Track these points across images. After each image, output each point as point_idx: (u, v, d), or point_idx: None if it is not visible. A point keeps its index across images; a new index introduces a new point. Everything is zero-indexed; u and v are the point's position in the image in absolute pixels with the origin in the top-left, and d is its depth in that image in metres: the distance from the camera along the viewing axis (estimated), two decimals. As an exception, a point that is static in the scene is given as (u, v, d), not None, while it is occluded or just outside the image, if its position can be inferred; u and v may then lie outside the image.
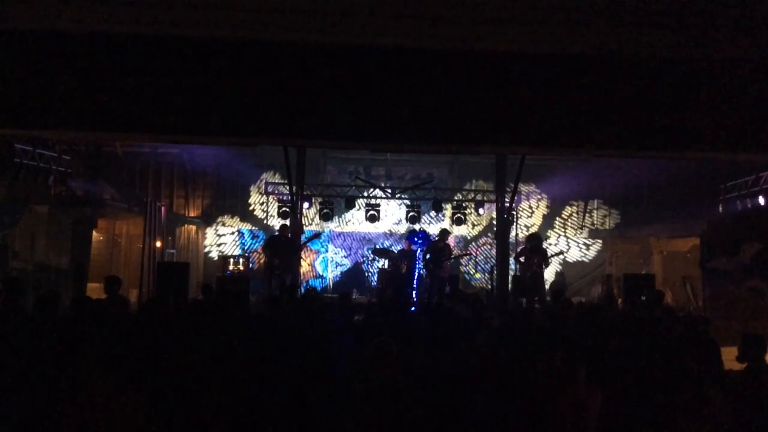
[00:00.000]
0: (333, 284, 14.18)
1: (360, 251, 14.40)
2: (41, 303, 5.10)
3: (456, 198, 13.84)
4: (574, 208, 14.81)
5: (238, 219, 14.40)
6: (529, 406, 3.87)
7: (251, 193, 14.45)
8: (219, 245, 14.24)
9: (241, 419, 3.95)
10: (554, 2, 5.11)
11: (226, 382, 4.08)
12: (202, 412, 3.90)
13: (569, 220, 14.83)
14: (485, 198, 13.28)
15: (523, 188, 14.05)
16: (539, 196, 14.71)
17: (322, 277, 14.30)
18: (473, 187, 14.13)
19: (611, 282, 11.68)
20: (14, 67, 5.58)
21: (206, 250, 14.16)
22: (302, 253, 12.38)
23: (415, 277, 11.10)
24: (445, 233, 11.18)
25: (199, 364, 4.24)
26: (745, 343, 4.21)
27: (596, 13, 5.21)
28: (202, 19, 5.35)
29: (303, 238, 11.60)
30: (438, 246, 10.88)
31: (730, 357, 5.14)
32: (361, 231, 14.35)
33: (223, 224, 14.36)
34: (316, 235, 12.76)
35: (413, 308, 8.45)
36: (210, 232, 14.27)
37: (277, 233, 10.74)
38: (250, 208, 14.46)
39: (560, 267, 14.10)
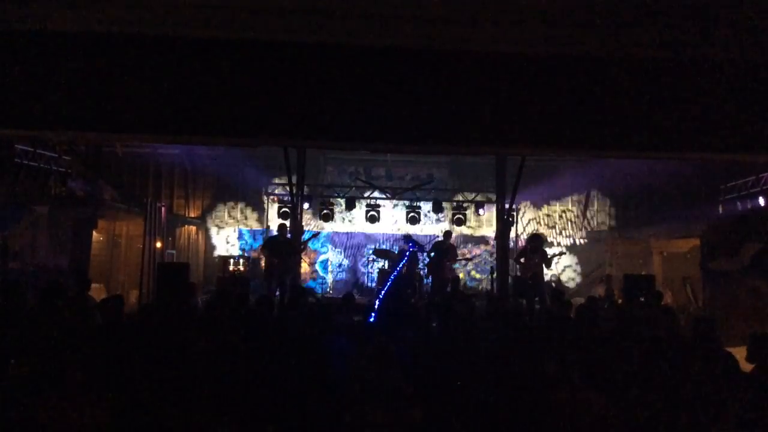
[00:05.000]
0: (333, 285, 14.18)
1: (360, 252, 14.40)
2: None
3: (456, 199, 13.85)
4: (574, 208, 14.81)
5: (238, 219, 14.40)
6: (527, 407, 3.86)
7: (251, 194, 14.45)
8: (219, 246, 14.24)
9: (240, 420, 3.95)
10: (554, 3, 5.11)
11: (225, 383, 4.08)
12: (201, 412, 3.90)
13: (569, 220, 14.83)
14: (485, 199, 13.29)
15: (524, 189, 14.05)
16: (539, 197, 14.71)
17: (322, 278, 14.29)
18: (473, 188, 14.13)
19: (611, 282, 11.68)
20: (14, 67, 5.58)
21: (206, 250, 14.17)
22: (302, 253, 12.35)
23: (389, 283, 10.85)
24: (448, 234, 11.23)
25: (198, 365, 4.25)
26: (754, 343, 4.16)
27: (596, 13, 5.20)
28: (202, 19, 5.35)
29: (302, 238, 11.60)
30: (443, 246, 10.90)
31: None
32: (361, 231, 14.36)
33: (223, 225, 14.36)
34: (315, 235, 12.71)
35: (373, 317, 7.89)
36: (210, 232, 14.28)
37: (275, 233, 10.73)
38: (250, 208, 14.47)
39: (561, 268, 14.11)
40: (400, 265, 10.88)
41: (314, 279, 14.18)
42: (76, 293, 6.78)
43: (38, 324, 4.97)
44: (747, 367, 4.33)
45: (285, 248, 10.22)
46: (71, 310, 5.72)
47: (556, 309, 6.87)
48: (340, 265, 14.43)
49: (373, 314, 8.67)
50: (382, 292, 10.61)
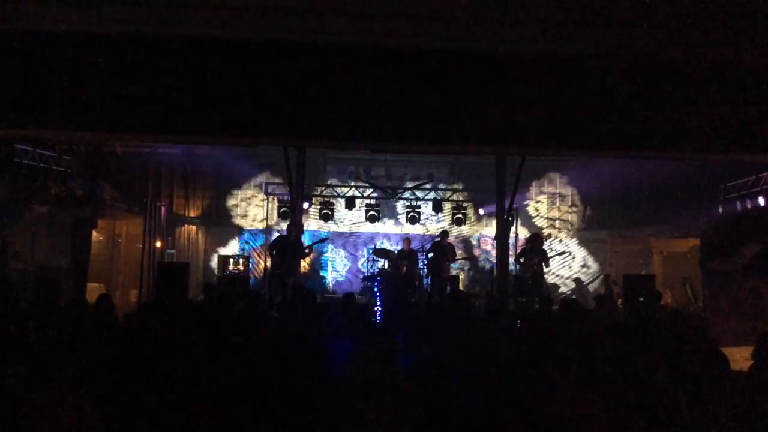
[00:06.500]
0: (333, 285, 14.18)
1: (360, 251, 14.40)
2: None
3: (456, 198, 13.86)
4: (574, 208, 14.82)
5: (238, 219, 14.41)
6: (527, 407, 3.87)
7: (251, 194, 14.45)
8: (219, 245, 14.25)
9: (240, 419, 3.95)
10: (554, 2, 5.10)
11: (225, 382, 4.08)
12: (201, 412, 3.90)
13: (569, 220, 14.83)
14: (485, 199, 13.30)
15: (523, 189, 14.04)
16: (539, 197, 14.71)
17: (322, 277, 14.29)
18: (473, 188, 14.13)
19: (611, 282, 11.68)
20: (14, 67, 5.58)
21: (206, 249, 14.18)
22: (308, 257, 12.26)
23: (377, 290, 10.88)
24: (445, 233, 11.24)
25: (198, 365, 4.25)
26: (763, 340, 4.26)
27: (595, 13, 5.20)
28: (202, 19, 5.35)
29: (309, 241, 11.56)
30: (441, 246, 10.91)
31: (729, 357, 5.14)
32: (361, 231, 14.36)
33: (223, 224, 14.36)
34: (323, 240, 12.52)
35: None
36: (210, 232, 14.28)
37: (284, 234, 10.70)
38: (250, 208, 14.47)
39: (563, 267, 14.14)
40: (377, 292, 10.88)
41: (314, 279, 14.17)
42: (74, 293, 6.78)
43: (34, 324, 4.96)
44: (746, 365, 4.36)
45: (292, 249, 10.16)
46: (68, 310, 5.70)
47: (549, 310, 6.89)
48: (340, 265, 14.42)
49: (378, 315, 8.71)
50: (376, 292, 10.65)
